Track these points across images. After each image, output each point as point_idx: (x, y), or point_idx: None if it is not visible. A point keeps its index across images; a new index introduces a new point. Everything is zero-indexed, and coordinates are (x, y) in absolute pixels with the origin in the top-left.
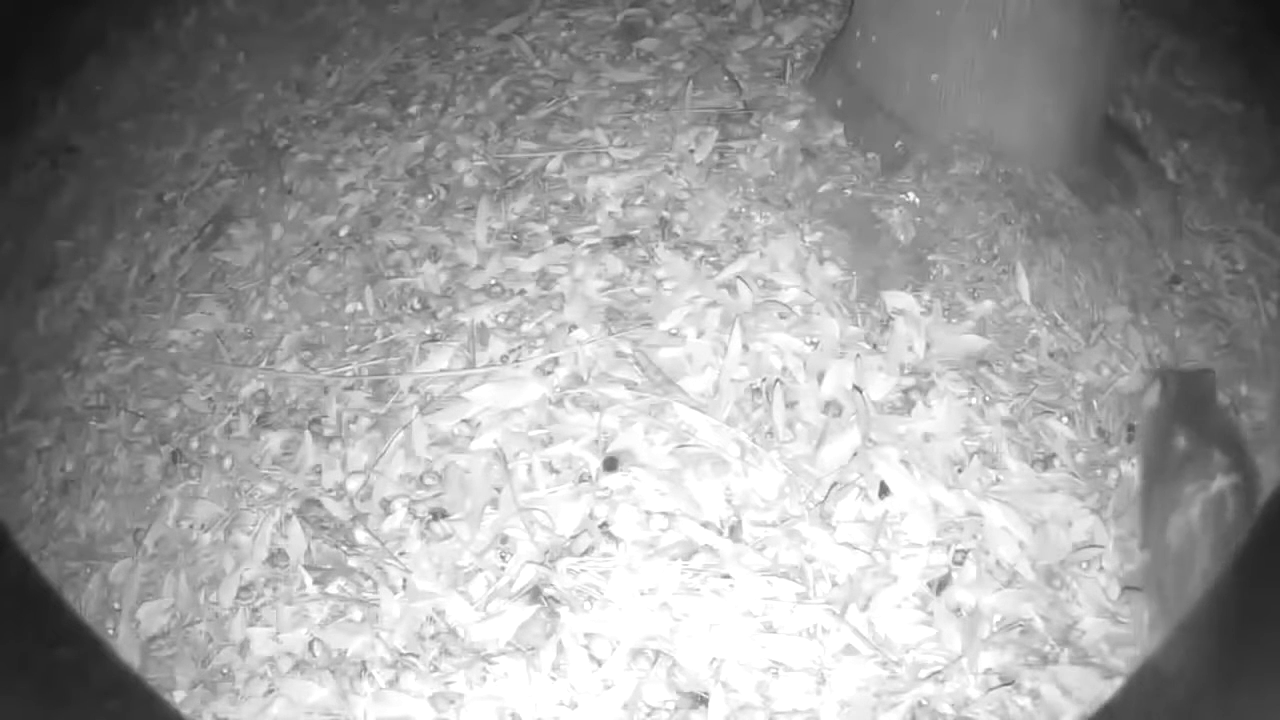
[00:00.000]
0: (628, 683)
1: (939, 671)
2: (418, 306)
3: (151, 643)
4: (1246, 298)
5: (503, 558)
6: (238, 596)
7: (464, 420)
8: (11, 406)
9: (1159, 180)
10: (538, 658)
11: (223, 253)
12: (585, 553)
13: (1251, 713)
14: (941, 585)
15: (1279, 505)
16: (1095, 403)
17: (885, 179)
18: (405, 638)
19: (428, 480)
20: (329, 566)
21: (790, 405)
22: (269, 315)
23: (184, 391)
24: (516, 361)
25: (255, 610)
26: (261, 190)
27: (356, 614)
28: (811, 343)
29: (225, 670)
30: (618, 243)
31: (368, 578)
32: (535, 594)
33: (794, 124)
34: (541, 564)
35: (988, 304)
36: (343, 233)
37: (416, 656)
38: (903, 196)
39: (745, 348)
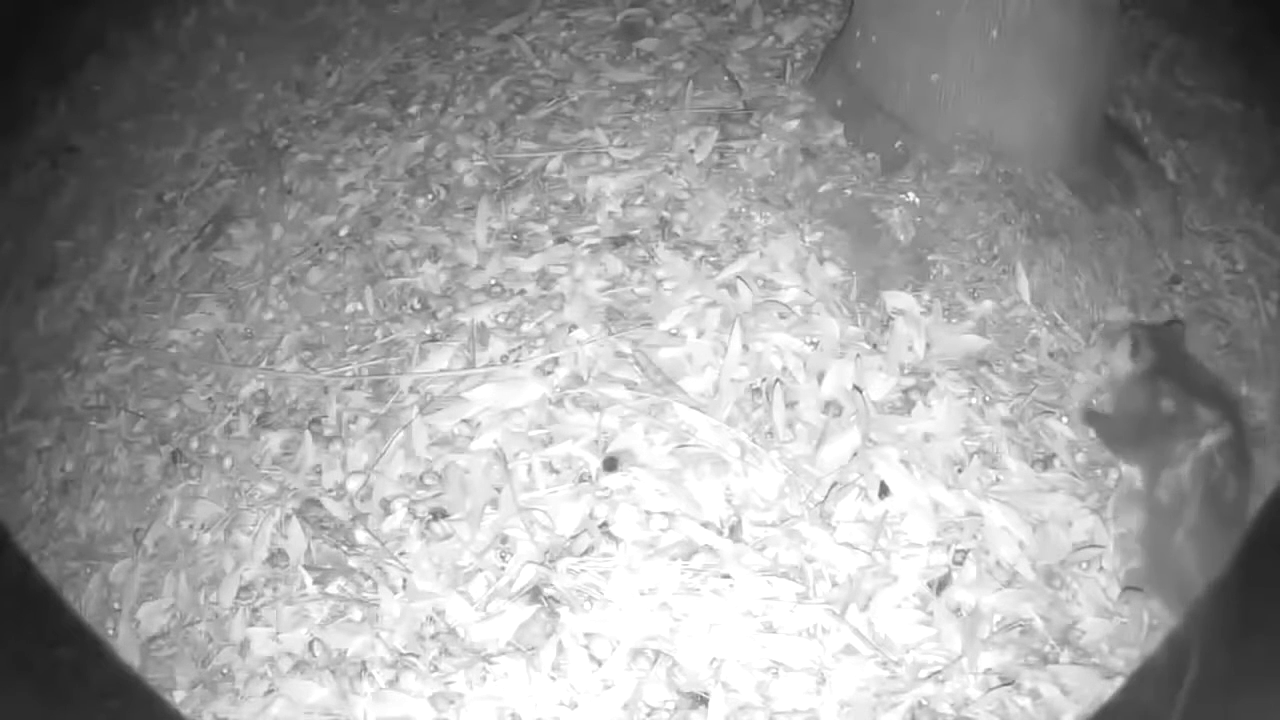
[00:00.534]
0: (628, 683)
1: (939, 671)
2: (418, 306)
3: (151, 643)
4: (1246, 298)
5: (503, 558)
6: (238, 596)
7: (464, 420)
8: (11, 406)
9: (1159, 180)
10: (538, 658)
11: (223, 253)
12: (585, 553)
13: (1251, 713)
14: (941, 585)
15: (1279, 505)
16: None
17: (885, 179)
18: (405, 638)
19: (428, 480)
20: (329, 566)
21: (790, 405)
22: (269, 315)
23: (184, 391)
24: (516, 361)
25: (255, 610)
26: (261, 190)
27: (356, 614)
28: (811, 343)
29: (225, 670)
30: (618, 243)
31: (368, 578)
32: (535, 594)
33: (794, 124)
34: (541, 564)
35: (988, 304)
36: (343, 233)
37: (416, 656)
38: (903, 196)
39: (745, 348)
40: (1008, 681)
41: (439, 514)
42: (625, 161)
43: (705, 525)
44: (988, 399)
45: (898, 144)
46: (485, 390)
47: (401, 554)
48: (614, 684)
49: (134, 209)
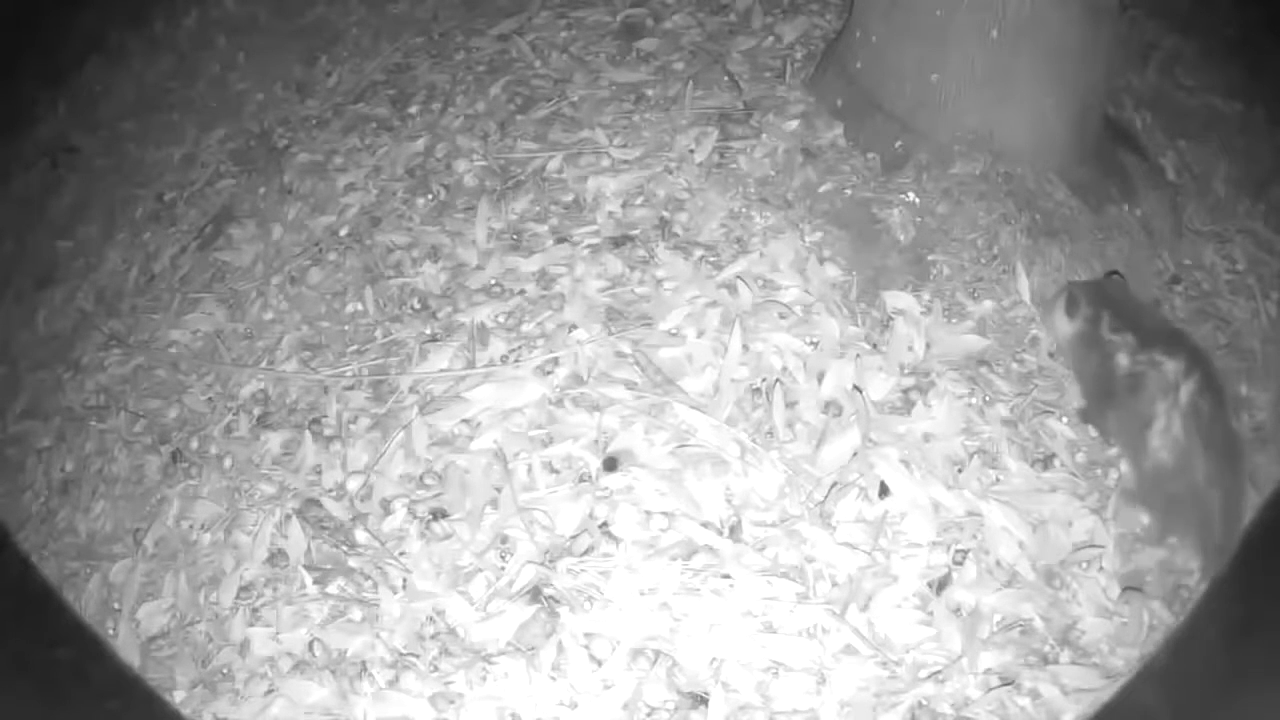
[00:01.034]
0: (628, 683)
1: (939, 671)
2: (418, 306)
3: (151, 643)
4: (1246, 298)
5: (503, 558)
6: (238, 596)
7: (464, 420)
8: (11, 406)
9: (1159, 180)
10: (538, 658)
11: (223, 253)
12: (585, 553)
13: (1251, 713)
14: (941, 585)
15: (1279, 506)
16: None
17: (885, 179)
18: (405, 638)
19: (428, 480)
20: (329, 566)
21: (790, 405)
22: (269, 315)
23: (184, 391)
24: (516, 361)
25: (255, 610)
26: (261, 190)
27: (356, 614)
28: (811, 343)
29: (225, 670)
30: (618, 243)
31: (368, 578)
32: (535, 594)
33: (794, 124)
34: (541, 564)
35: (988, 304)
36: (343, 233)
37: (416, 656)
38: (903, 196)
39: (745, 348)
40: (1008, 681)
41: (439, 514)
42: (625, 161)
43: (705, 525)
44: (988, 399)
45: (898, 144)
46: (485, 390)
47: (401, 554)
48: (614, 684)
49: (134, 209)
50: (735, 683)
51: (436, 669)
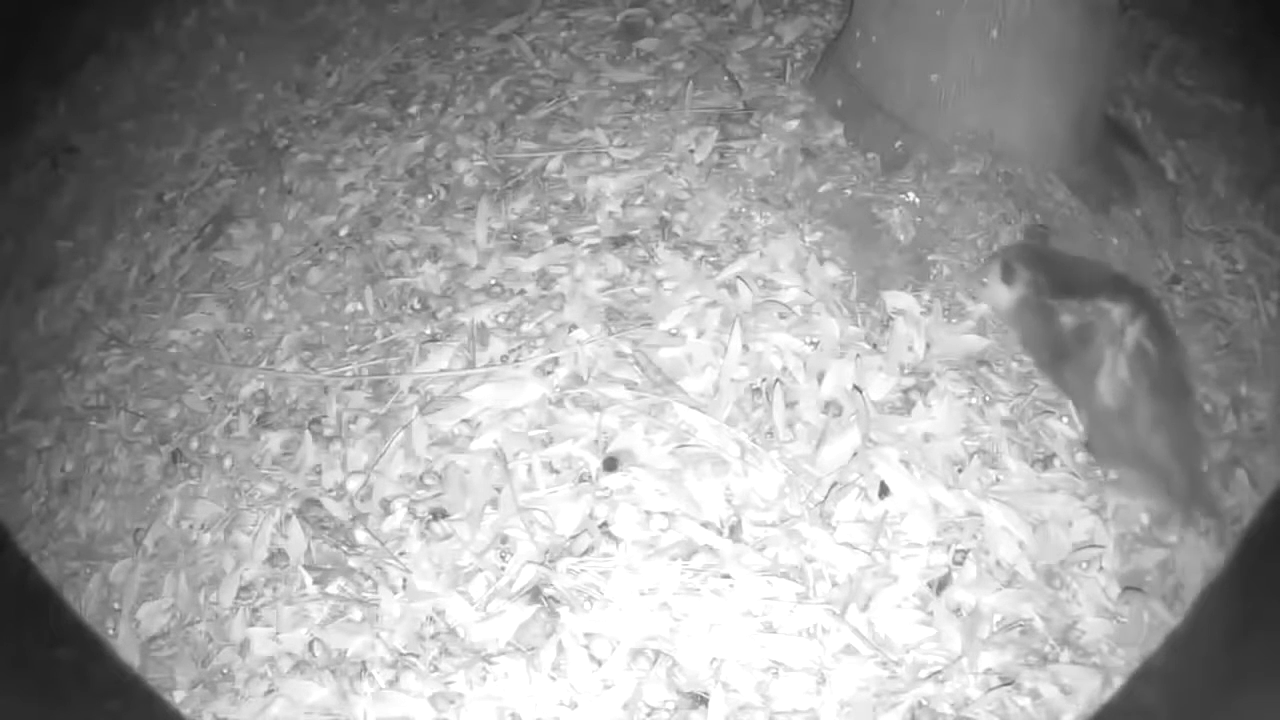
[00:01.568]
0: (628, 683)
1: (939, 671)
2: (418, 306)
3: (151, 643)
4: (1246, 298)
5: (503, 558)
6: (238, 596)
7: (464, 420)
8: (11, 406)
9: (1159, 180)
10: (538, 658)
11: (223, 253)
12: (585, 553)
13: (1251, 713)
14: (941, 585)
15: (1279, 506)
16: None
17: (885, 179)
18: (405, 638)
19: (428, 480)
20: (329, 566)
21: (790, 405)
22: (269, 315)
23: (184, 391)
24: (516, 361)
25: (255, 610)
26: (261, 190)
27: (356, 614)
28: (811, 343)
29: (225, 670)
30: (618, 243)
31: (368, 578)
32: (535, 594)
33: (794, 124)
34: (541, 564)
35: (987, 304)
36: (343, 233)
37: (416, 656)
38: (903, 196)
39: (745, 348)
40: (1008, 681)
41: (439, 514)
42: (625, 161)
43: (705, 525)
44: (988, 399)
45: (898, 144)
46: (485, 390)
47: (401, 554)
48: (614, 684)
49: (134, 209)
50: (735, 683)
51: (436, 669)
